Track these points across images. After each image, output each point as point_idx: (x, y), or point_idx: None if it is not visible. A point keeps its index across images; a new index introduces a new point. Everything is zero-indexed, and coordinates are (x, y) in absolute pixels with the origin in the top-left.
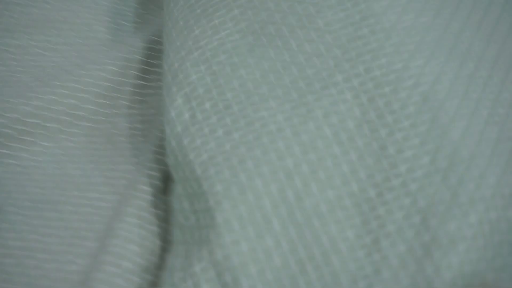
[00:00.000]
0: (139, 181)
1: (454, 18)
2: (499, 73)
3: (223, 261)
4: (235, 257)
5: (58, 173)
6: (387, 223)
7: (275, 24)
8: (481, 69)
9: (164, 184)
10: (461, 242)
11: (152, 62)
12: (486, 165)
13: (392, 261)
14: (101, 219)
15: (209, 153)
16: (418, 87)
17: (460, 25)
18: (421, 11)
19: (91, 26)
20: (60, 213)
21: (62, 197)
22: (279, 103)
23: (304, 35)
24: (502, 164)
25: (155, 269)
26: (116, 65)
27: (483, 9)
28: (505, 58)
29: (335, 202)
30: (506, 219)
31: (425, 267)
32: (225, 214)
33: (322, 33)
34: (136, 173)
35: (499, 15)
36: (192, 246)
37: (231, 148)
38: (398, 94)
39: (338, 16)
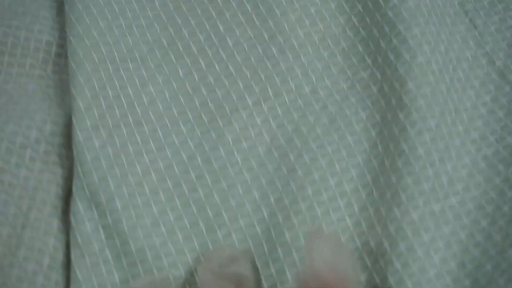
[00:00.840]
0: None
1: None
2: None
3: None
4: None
5: None
6: (292, 250)
7: (183, 40)
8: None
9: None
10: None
11: None
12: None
13: None
14: (11, 201)
15: (115, 176)
16: (326, 109)
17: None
18: (332, 19)
19: None
20: None
21: None
22: (190, 128)
23: (213, 54)
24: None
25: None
26: None
27: None
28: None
29: (245, 230)
30: None
31: None
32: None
33: (231, 52)
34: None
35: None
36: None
37: (141, 174)
38: (307, 118)
39: (247, 35)
